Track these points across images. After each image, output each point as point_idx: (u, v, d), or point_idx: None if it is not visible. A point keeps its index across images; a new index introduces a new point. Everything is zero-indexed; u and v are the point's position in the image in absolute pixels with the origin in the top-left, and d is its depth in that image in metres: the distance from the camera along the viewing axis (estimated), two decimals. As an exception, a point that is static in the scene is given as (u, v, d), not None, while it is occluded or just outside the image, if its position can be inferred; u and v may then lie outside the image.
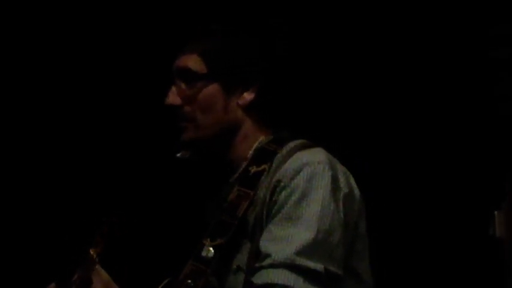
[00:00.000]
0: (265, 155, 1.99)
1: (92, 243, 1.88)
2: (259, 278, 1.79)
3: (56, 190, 3.34)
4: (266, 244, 1.83)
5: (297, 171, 1.87)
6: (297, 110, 2.19)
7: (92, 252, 1.85)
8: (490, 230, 2.67)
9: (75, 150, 3.38)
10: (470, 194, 3.11)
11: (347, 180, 1.94)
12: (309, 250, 1.79)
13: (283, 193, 1.86)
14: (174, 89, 2.06)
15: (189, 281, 1.88)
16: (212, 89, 2.03)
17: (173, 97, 2.05)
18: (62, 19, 3.39)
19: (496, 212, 2.68)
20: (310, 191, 1.84)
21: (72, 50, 3.41)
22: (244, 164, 2.02)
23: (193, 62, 2.04)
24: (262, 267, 1.81)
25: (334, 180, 1.88)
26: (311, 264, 1.78)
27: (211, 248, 1.91)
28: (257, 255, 1.85)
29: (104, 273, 1.86)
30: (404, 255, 3.09)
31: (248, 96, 2.03)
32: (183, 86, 2.05)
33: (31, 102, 3.42)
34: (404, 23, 3.32)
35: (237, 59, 2.04)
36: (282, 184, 1.87)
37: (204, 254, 1.91)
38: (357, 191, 1.98)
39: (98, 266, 1.87)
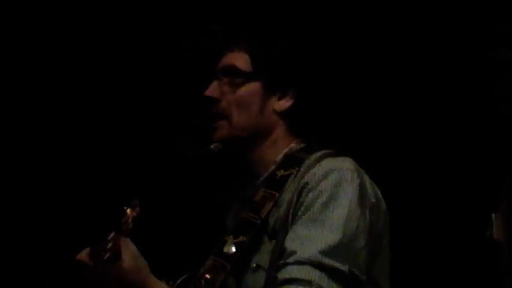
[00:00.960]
0: (293, 161, 2.00)
1: (129, 203, 1.83)
2: (284, 274, 1.80)
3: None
4: (291, 243, 1.82)
5: (325, 176, 1.87)
6: (327, 119, 2.18)
7: (128, 213, 1.75)
8: (488, 233, 2.66)
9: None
10: (467, 196, 3.09)
11: (374, 191, 1.96)
12: (334, 251, 1.79)
13: (310, 195, 1.86)
14: (215, 83, 2.06)
15: (208, 276, 1.88)
16: (252, 87, 2.03)
17: (213, 90, 2.05)
18: (62, 19, 3.37)
19: (493, 215, 2.67)
20: (337, 195, 1.85)
21: (72, 50, 3.40)
22: (272, 168, 2.02)
23: (240, 59, 2.05)
24: (287, 264, 1.80)
25: (362, 188, 1.89)
26: (335, 263, 1.78)
27: (232, 245, 1.91)
28: (280, 255, 1.83)
29: (132, 246, 1.79)
30: (402, 257, 3.05)
31: (285, 103, 2.04)
32: (225, 81, 2.04)
33: (31, 102, 3.41)
34: (404, 24, 3.30)
35: (281, 62, 2.05)
36: (309, 186, 1.87)
37: (225, 250, 1.91)
38: (383, 204, 1.99)
39: (127, 239, 1.83)
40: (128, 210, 1.72)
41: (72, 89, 3.29)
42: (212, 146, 2.05)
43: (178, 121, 3.02)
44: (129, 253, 1.76)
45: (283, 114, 2.04)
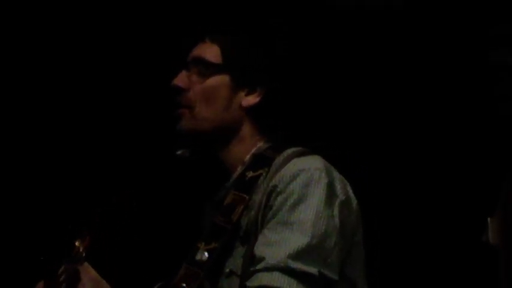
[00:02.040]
0: (262, 161, 1.98)
1: (78, 235, 1.83)
2: (254, 281, 1.80)
3: (41, 186, 3.32)
4: (261, 248, 1.82)
5: (294, 177, 1.86)
6: (294, 117, 2.16)
7: (77, 245, 1.77)
8: (484, 237, 2.64)
9: (65, 147, 3.36)
10: (464, 200, 3.08)
11: (344, 188, 1.94)
12: (303, 254, 1.79)
13: (279, 198, 1.85)
14: (184, 72, 2.05)
15: (184, 284, 1.87)
16: (220, 80, 2.02)
17: (181, 79, 2.04)
18: (62, 19, 3.37)
19: (489, 219, 2.65)
20: (305, 196, 1.84)
21: (71, 50, 3.39)
22: (240, 168, 2.01)
23: (211, 51, 2.04)
24: (256, 271, 1.80)
25: (331, 186, 1.88)
26: (305, 267, 1.78)
27: (205, 252, 1.90)
28: (251, 260, 1.83)
29: (92, 271, 1.80)
30: (399, 261, 3.07)
31: (253, 99, 2.03)
32: (194, 71, 2.04)
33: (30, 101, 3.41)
34: (404, 24, 3.29)
35: (253, 58, 2.04)
36: (278, 189, 1.86)
37: (198, 257, 1.90)
38: (353, 199, 1.97)
39: (85, 263, 1.83)
40: (77, 243, 1.72)
41: (62, 90, 3.28)
42: (179, 153, 2.02)
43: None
44: (88, 278, 1.76)
45: (250, 111, 2.03)
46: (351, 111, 3.25)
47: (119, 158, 3.16)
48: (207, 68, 2.02)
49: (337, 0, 3.28)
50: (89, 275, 1.78)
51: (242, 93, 2.03)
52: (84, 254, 1.75)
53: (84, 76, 3.28)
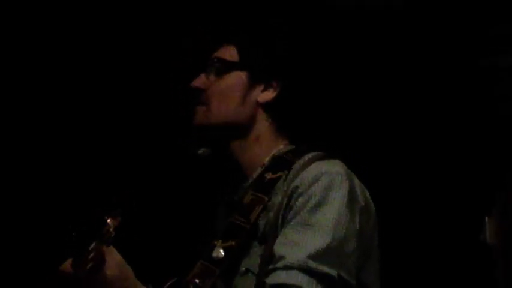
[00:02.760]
0: (282, 164, 1.96)
1: (109, 213, 1.82)
2: (273, 279, 1.77)
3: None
4: (281, 247, 1.80)
5: (315, 179, 1.84)
6: (316, 121, 2.17)
7: (109, 222, 1.71)
8: (481, 236, 2.65)
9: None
10: (462, 200, 3.08)
11: (363, 194, 1.93)
12: (323, 255, 1.77)
13: (300, 199, 1.83)
14: (202, 75, 2.05)
15: (197, 280, 1.85)
16: (237, 77, 2.01)
17: (199, 81, 2.04)
18: (61, 19, 3.36)
19: (487, 218, 2.66)
20: (327, 199, 1.82)
21: (71, 50, 3.39)
22: (260, 170, 1.98)
23: (228, 51, 2.04)
24: (276, 269, 1.78)
25: (352, 191, 1.87)
26: (324, 268, 1.76)
27: (221, 250, 1.88)
28: (269, 259, 1.81)
29: (116, 254, 1.76)
30: (396, 261, 3.06)
31: (269, 94, 2.01)
32: (212, 73, 2.03)
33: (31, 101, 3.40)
34: (404, 25, 3.29)
35: (268, 54, 2.02)
36: (300, 191, 1.84)
37: (214, 254, 1.88)
38: (372, 206, 1.97)
39: (111, 247, 1.82)
40: (109, 220, 1.71)
41: (66, 90, 3.28)
42: (200, 151, 2.03)
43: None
44: (113, 261, 1.75)
45: (267, 107, 2.02)
46: (350, 112, 3.25)
47: (136, 154, 3.16)
48: (224, 67, 2.01)
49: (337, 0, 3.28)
50: (114, 258, 1.76)
51: (258, 90, 2.01)
52: (113, 234, 1.73)
53: (89, 76, 3.28)
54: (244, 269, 1.88)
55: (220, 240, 1.90)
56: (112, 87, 3.25)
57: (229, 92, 2.00)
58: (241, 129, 2.00)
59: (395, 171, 3.20)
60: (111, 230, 1.70)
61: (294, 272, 1.75)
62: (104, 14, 3.27)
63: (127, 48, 3.30)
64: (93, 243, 1.69)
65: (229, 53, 2.04)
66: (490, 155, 3.06)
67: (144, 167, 2.99)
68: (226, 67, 2.02)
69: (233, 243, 1.88)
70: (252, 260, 1.87)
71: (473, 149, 3.13)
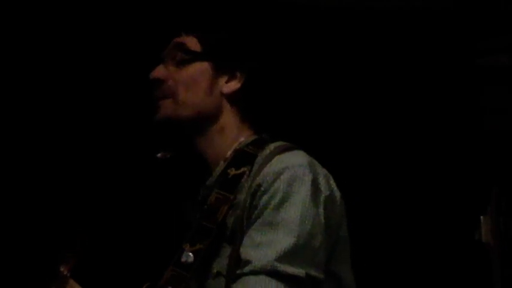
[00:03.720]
0: (245, 158, 1.91)
1: (62, 259, 1.81)
2: (240, 285, 1.74)
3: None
4: (247, 250, 1.76)
5: (277, 175, 1.79)
6: (277, 111, 2.14)
7: (62, 270, 1.72)
8: (476, 235, 2.65)
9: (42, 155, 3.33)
10: (456, 199, 3.08)
11: (328, 183, 1.87)
12: (289, 255, 1.72)
13: (264, 198, 1.78)
14: (161, 65, 2.00)
15: (170, 286, 1.80)
16: (201, 67, 1.96)
17: (158, 71, 1.98)
18: (61, 19, 3.36)
19: (482, 217, 2.65)
20: (290, 195, 1.77)
21: (59, 54, 3.37)
22: (222, 165, 1.94)
23: (189, 40, 1.99)
24: (242, 274, 1.73)
25: (315, 183, 1.81)
26: (292, 269, 1.71)
27: (190, 253, 1.83)
28: (237, 261, 1.77)
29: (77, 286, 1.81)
30: (391, 259, 3.07)
31: (234, 85, 1.97)
32: (172, 62, 1.99)
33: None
34: (392, 36, 3.31)
35: (231, 45, 1.99)
36: (262, 189, 1.79)
37: (183, 259, 1.82)
38: (337, 193, 1.89)
39: (71, 281, 1.81)
40: (62, 268, 1.72)
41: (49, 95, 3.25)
42: (159, 155, 2.00)
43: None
44: None
45: (231, 98, 1.97)
46: (335, 110, 3.25)
47: (98, 162, 3.12)
48: (186, 56, 1.97)
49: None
50: None
51: (223, 81, 1.97)
52: (69, 276, 1.73)
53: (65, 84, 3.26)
54: (215, 271, 1.85)
55: (188, 244, 1.85)
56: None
57: (196, 81, 1.95)
58: (207, 120, 1.96)
59: (394, 173, 3.21)
60: (65, 273, 1.71)
61: (261, 277, 1.71)
62: (102, 14, 3.26)
63: (105, 55, 3.27)
64: None
65: (191, 42, 1.98)
66: (486, 154, 3.07)
67: (112, 174, 2.96)
68: (189, 55, 1.97)
69: (201, 245, 1.83)
70: (223, 262, 1.84)
71: (468, 147, 3.14)
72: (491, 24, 3.19)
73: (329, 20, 3.27)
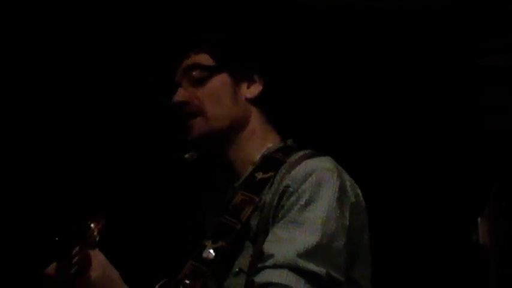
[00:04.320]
0: (272, 163, 1.95)
1: (92, 217, 1.81)
2: (261, 277, 1.77)
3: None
4: (270, 245, 1.80)
5: (305, 178, 1.84)
6: (306, 118, 2.16)
7: (92, 226, 1.72)
8: (474, 236, 2.64)
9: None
10: (454, 200, 3.07)
11: (354, 191, 1.92)
12: (312, 253, 1.76)
13: (291, 198, 1.83)
14: (180, 89, 2.01)
15: (187, 281, 1.83)
16: (220, 79, 1.99)
17: (180, 94, 1.99)
18: (61, 19, 3.36)
19: (479, 219, 2.65)
20: (317, 196, 1.82)
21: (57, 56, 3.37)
22: (250, 169, 1.97)
23: (201, 57, 2.01)
24: (265, 267, 1.77)
25: (342, 188, 1.86)
26: (313, 267, 1.75)
27: (211, 250, 1.86)
28: (260, 258, 1.81)
29: (100, 255, 1.77)
30: (389, 260, 3.07)
31: (255, 89, 2.01)
32: (190, 83, 2.00)
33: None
34: (392, 36, 3.31)
35: (242, 50, 2.03)
36: (291, 189, 1.84)
37: (204, 255, 1.86)
38: (362, 202, 1.95)
39: (96, 249, 1.81)
40: (92, 225, 1.71)
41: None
42: (187, 156, 2.02)
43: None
44: (99, 264, 1.75)
45: (256, 102, 2.01)
46: (344, 111, 3.25)
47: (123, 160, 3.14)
48: (203, 73, 1.99)
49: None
50: (98, 261, 1.76)
51: (244, 87, 2.01)
52: (97, 238, 1.73)
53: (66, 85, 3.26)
54: (237, 269, 1.88)
55: (210, 241, 1.88)
56: (96, 91, 3.23)
57: (220, 94, 1.98)
58: (238, 128, 1.99)
59: (392, 174, 3.21)
60: (94, 233, 1.71)
61: (283, 271, 1.74)
62: (102, 14, 3.26)
63: (106, 55, 3.27)
64: (77, 247, 1.69)
65: (203, 59, 2.01)
66: (485, 154, 3.06)
67: (132, 170, 2.98)
68: (206, 73, 1.99)
69: (223, 243, 1.86)
70: (245, 260, 1.87)
71: (468, 147, 3.14)
72: (491, 24, 3.19)
73: (329, 20, 3.27)
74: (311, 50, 3.24)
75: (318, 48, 3.26)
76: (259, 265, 1.79)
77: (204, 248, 1.87)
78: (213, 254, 1.85)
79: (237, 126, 1.99)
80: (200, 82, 1.99)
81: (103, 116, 3.21)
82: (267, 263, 1.77)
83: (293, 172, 1.86)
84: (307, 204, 1.80)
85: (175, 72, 2.03)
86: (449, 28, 3.26)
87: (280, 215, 1.83)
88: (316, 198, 1.80)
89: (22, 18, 3.21)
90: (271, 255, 1.77)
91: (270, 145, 2.00)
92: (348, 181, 1.90)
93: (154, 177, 2.99)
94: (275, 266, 1.75)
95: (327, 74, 3.27)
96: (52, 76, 3.26)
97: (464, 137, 3.22)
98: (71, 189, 3.09)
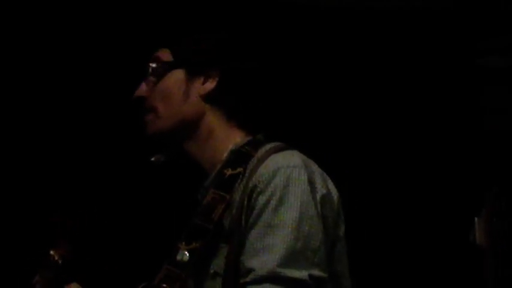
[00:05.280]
0: (240, 158, 1.92)
1: (53, 244, 1.81)
2: None
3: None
4: (248, 258, 1.77)
5: (272, 176, 1.80)
6: (266, 109, 2.13)
7: (52, 253, 1.75)
8: (471, 237, 2.64)
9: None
10: (451, 200, 3.07)
11: (324, 182, 1.88)
12: (290, 259, 1.74)
13: (260, 199, 1.80)
14: (143, 83, 2.02)
15: (164, 285, 1.81)
16: (174, 76, 1.97)
17: (140, 90, 2.01)
18: (60, 19, 3.37)
19: (476, 219, 2.64)
20: (287, 196, 1.78)
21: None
22: (219, 166, 1.95)
23: (162, 53, 2.01)
24: (246, 284, 1.75)
25: (311, 183, 1.83)
26: (294, 273, 1.73)
27: (186, 252, 1.84)
28: (235, 262, 1.79)
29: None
30: (386, 260, 3.07)
31: (208, 86, 1.97)
32: (152, 79, 2.00)
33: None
34: (392, 36, 3.30)
35: (199, 47, 1.99)
36: (258, 189, 1.80)
37: (179, 257, 1.83)
38: (334, 192, 1.91)
39: (75, 284, 1.82)
40: (52, 252, 1.72)
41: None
42: (153, 159, 2.01)
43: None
44: None
45: (210, 98, 1.97)
46: (331, 109, 3.25)
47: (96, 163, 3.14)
48: (161, 69, 1.99)
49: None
50: None
51: (199, 83, 1.97)
52: (60, 262, 1.73)
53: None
54: (212, 271, 1.87)
55: (184, 243, 1.86)
56: (96, 90, 3.23)
57: (170, 91, 1.96)
58: (191, 126, 1.96)
59: (390, 175, 3.20)
60: (56, 258, 1.70)
61: (265, 285, 1.72)
62: (101, 14, 3.26)
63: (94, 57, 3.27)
64: (38, 274, 1.70)
65: (165, 54, 2.01)
66: (480, 156, 3.06)
67: (116, 172, 2.97)
68: (163, 69, 1.99)
69: (197, 244, 1.84)
70: (220, 262, 1.85)
71: (465, 149, 3.13)
72: (491, 24, 3.18)
73: (329, 20, 3.27)
74: (311, 50, 3.24)
75: (318, 48, 3.27)
76: (241, 281, 1.76)
77: (178, 250, 1.86)
78: (188, 256, 1.83)
79: (189, 124, 1.96)
80: (158, 77, 1.99)
81: (95, 115, 3.21)
82: (248, 279, 1.74)
83: (259, 170, 1.83)
84: (278, 206, 1.77)
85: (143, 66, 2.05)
86: (449, 28, 3.26)
87: (252, 219, 1.80)
88: (285, 199, 1.78)
89: (22, 18, 3.22)
90: (251, 269, 1.74)
91: (237, 140, 1.97)
92: (317, 173, 1.87)
93: (136, 180, 2.98)
94: (255, 282, 1.73)
95: (326, 73, 3.27)
96: (46, 74, 3.26)
97: (464, 137, 3.21)
98: (57, 189, 3.08)
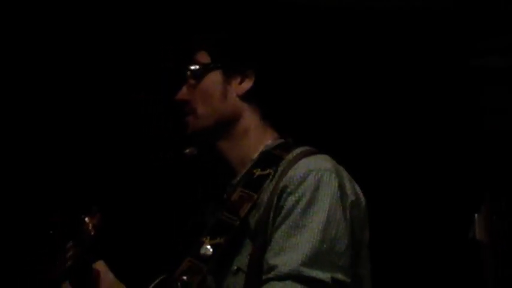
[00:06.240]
0: (270, 160, 1.98)
1: (88, 212, 1.80)
2: None
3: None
4: (272, 255, 1.82)
5: (303, 178, 1.86)
6: (304, 115, 2.15)
7: (86, 220, 1.75)
8: (470, 233, 2.64)
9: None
10: (451, 197, 3.06)
11: (353, 188, 1.95)
12: (314, 260, 1.78)
13: (290, 199, 1.85)
14: (184, 87, 2.10)
15: (185, 277, 1.86)
16: (212, 77, 2.05)
17: (180, 93, 2.09)
18: (60, 19, 3.37)
19: (476, 215, 2.64)
20: (317, 199, 1.83)
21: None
22: (248, 166, 2.01)
23: (200, 55, 2.09)
24: (268, 279, 1.80)
25: (341, 187, 1.89)
26: (317, 274, 1.78)
27: (209, 246, 1.89)
28: (259, 260, 1.84)
29: (110, 275, 1.87)
30: (385, 257, 3.05)
31: (245, 84, 2.05)
32: (191, 82, 2.08)
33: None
34: (392, 36, 3.30)
35: (236, 47, 2.07)
36: (288, 190, 1.86)
37: (202, 251, 1.89)
38: (362, 199, 1.99)
39: (105, 268, 1.81)
40: (87, 219, 1.70)
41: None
42: (187, 151, 2.05)
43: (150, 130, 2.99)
44: (106, 281, 1.82)
45: (248, 98, 2.05)
46: (341, 107, 3.25)
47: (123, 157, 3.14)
48: (199, 72, 2.06)
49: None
50: (108, 280, 1.83)
51: (236, 83, 2.05)
52: (93, 233, 1.72)
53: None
54: (235, 267, 1.90)
55: (208, 237, 1.91)
56: (97, 89, 3.23)
57: (208, 92, 2.03)
58: (229, 126, 2.03)
59: (390, 172, 3.20)
60: (89, 228, 1.70)
61: (287, 283, 1.76)
62: (101, 14, 3.26)
63: (101, 57, 3.28)
64: (70, 242, 1.68)
65: (202, 56, 2.08)
66: (480, 156, 3.05)
67: (131, 167, 2.98)
68: (202, 71, 2.06)
69: (221, 240, 1.89)
70: (243, 259, 1.90)
71: (463, 147, 3.13)
72: (491, 24, 3.18)
73: (329, 20, 3.27)
74: (311, 50, 3.24)
75: (317, 48, 3.27)
76: (264, 277, 1.81)
77: (202, 244, 1.91)
78: (211, 250, 1.88)
79: (226, 123, 2.03)
80: (197, 79, 2.05)
81: (102, 113, 3.21)
82: (271, 275, 1.79)
83: (291, 172, 1.88)
84: (307, 207, 1.82)
85: (182, 70, 2.11)
86: (449, 28, 3.27)
87: (279, 219, 1.85)
88: (315, 201, 1.82)
89: (22, 18, 3.22)
90: (275, 266, 1.79)
91: (268, 142, 2.03)
92: (347, 179, 1.93)
93: (153, 175, 2.99)
94: (279, 278, 1.77)
95: (326, 73, 3.27)
96: (46, 73, 3.26)
97: (464, 137, 3.21)
98: (69, 186, 3.08)
